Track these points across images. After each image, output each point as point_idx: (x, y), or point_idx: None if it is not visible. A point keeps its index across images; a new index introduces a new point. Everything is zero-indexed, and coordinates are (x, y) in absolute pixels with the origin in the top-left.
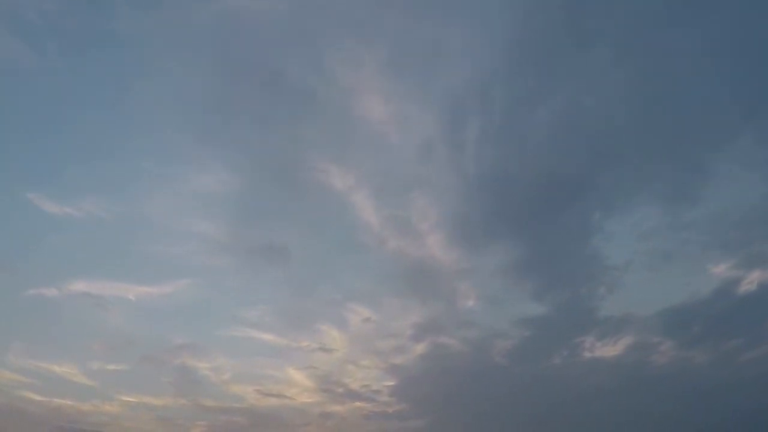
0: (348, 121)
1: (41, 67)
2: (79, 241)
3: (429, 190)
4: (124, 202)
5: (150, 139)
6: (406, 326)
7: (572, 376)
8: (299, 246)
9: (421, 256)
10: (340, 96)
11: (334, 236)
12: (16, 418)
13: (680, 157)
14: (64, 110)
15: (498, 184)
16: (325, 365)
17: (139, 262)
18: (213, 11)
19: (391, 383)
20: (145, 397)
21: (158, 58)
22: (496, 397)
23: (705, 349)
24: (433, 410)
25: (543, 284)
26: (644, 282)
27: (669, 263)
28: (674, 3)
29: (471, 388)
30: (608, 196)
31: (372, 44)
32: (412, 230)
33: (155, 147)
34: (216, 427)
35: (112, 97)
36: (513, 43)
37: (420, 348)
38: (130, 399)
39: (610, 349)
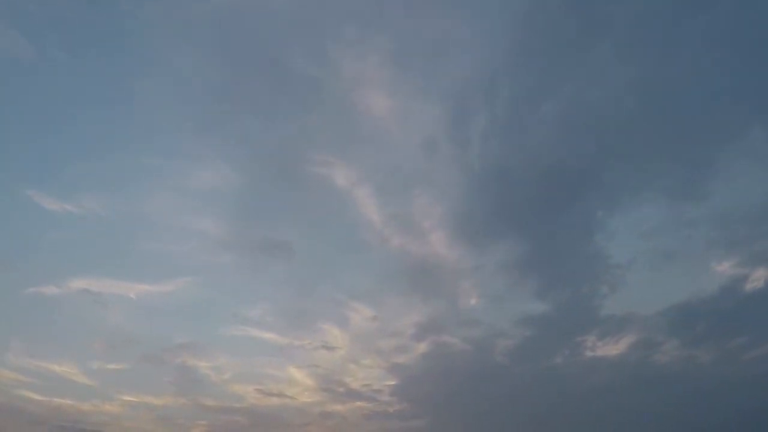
0: (351, 116)
1: (40, 61)
2: (79, 238)
3: (432, 187)
4: (124, 199)
5: (151, 135)
6: (408, 325)
7: (574, 375)
8: (301, 243)
9: (424, 254)
10: (343, 91)
11: (336, 234)
12: (16, 417)
13: (686, 153)
14: (63, 106)
15: (501, 180)
16: (326, 364)
17: (139, 259)
18: (215, 4)
19: (392, 382)
20: (145, 396)
21: (159, 52)
22: (497, 396)
23: (709, 348)
24: (434, 410)
25: (545, 282)
26: (647, 280)
27: (672, 261)
28: None
29: (472, 388)
30: (612, 193)
31: (376, 38)
32: (415, 228)
33: (156, 143)
34: (216, 427)
35: (112, 92)
36: (518, 37)
37: (422, 347)
38: (131, 398)
39: (612, 348)
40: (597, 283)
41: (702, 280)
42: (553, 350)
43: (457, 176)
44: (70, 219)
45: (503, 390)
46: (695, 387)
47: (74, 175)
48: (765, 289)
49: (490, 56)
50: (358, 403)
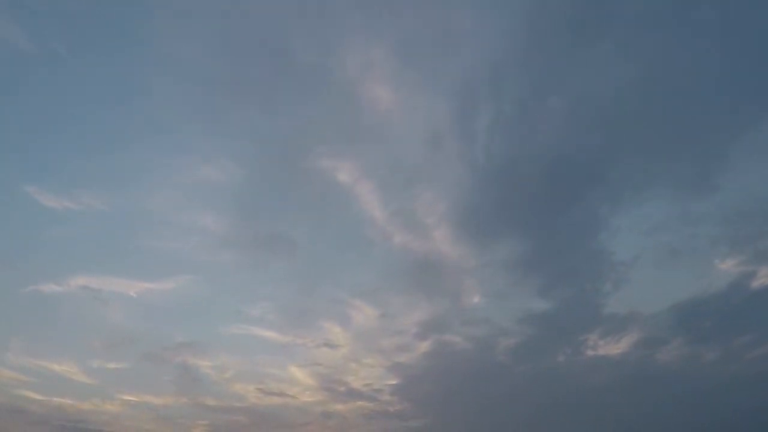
0: (355, 110)
1: (39, 54)
2: (79, 235)
3: (436, 183)
4: (125, 195)
5: (152, 130)
6: (410, 324)
7: (575, 374)
8: (303, 241)
9: (427, 252)
10: (347, 84)
11: (338, 230)
12: (16, 417)
13: (693, 149)
14: (63, 100)
15: (506, 176)
16: (327, 363)
17: (140, 257)
18: None
19: (393, 382)
20: (145, 395)
21: (161, 45)
22: (498, 396)
23: (713, 346)
24: (435, 409)
25: (548, 280)
26: (651, 278)
27: (677, 259)
28: None
29: (473, 387)
30: (616, 189)
31: (381, 31)
32: (418, 225)
33: (157, 138)
34: (217, 427)
35: (113, 86)
36: (525, 31)
37: (424, 346)
38: (131, 398)
39: (615, 347)
40: (600, 280)
41: (707, 278)
42: (555, 349)
43: (462, 172)
44: (70, 216)
45: (504, 389)
46: (699, 386)
47: (74, 171)
48: None
49: (497, 50)
50: (359, 403)
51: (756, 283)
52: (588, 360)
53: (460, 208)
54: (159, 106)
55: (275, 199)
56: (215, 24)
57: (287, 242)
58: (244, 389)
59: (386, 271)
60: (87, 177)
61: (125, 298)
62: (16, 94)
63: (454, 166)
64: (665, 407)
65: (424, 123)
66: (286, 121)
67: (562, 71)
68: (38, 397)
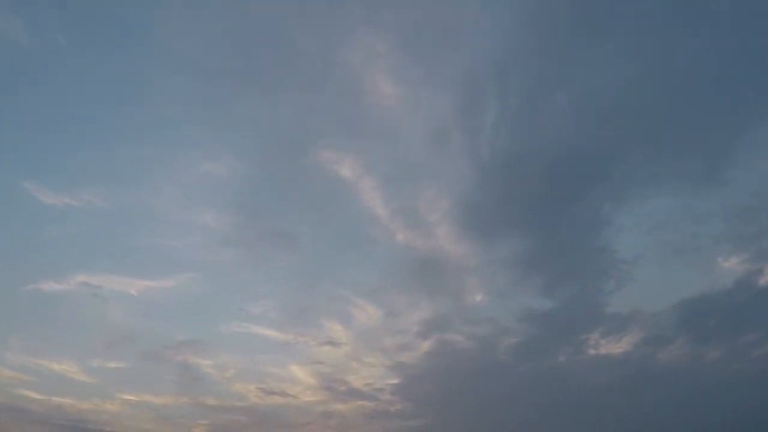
0: (358, 105)
1: (39, 48)
2: (79, 233)
3: (440, 179)
4: (126, 192)
5: (153, 125)
6: (412, 323)
7: (578, 373)
8: (304, 238)
9: (430, 250)
10: (350, 78)
11: (340, 228)
12: (16, 416)
13: (700, 144)
14: (62, 95)
15: (510, 172)
16: (328, 362)
17: (140, 254)
18: None
19: (394, 381)
20: (145, 395)
21: (162, 39)
22: (499, 395)
23: (717, 345)
24: (436, 409)
25: (551, 278)
26: (655, 276)
27: (681, 257)
28: None
29: (474, 387)
30: (619, 186)
31: (385, 23)
32: (421, 222)
33: (158, 133)
34: (217, 426)
35: (113, 79)
36: (531, 24)
37: (426, 345)
38: (131, 397)
39: (617, 346)
40: (603, 279)
41: (711, 276)
42: (557, 348)
43: (465, 168)
44: (70, 213)
45: (505, 389)
46: (702, 385)
47: (74, 167)
48: None
49: (502, 44)
50: (360, 403)
51: (762, 281)
52: (590, 359)
53: (463, 206)
54: (160, 102)
55: (277, 196)
56: (217, 18)
57: (288, 240)
58: (244, 388)
59: (388, 269)
60: (87, 173)
61: (125, 296)
62: (15, 89)
63: (458, 162)
64: (668, 407)
65: (428, 118)
66: (289, 116)
67: (567, 66)
68: (38, 396)
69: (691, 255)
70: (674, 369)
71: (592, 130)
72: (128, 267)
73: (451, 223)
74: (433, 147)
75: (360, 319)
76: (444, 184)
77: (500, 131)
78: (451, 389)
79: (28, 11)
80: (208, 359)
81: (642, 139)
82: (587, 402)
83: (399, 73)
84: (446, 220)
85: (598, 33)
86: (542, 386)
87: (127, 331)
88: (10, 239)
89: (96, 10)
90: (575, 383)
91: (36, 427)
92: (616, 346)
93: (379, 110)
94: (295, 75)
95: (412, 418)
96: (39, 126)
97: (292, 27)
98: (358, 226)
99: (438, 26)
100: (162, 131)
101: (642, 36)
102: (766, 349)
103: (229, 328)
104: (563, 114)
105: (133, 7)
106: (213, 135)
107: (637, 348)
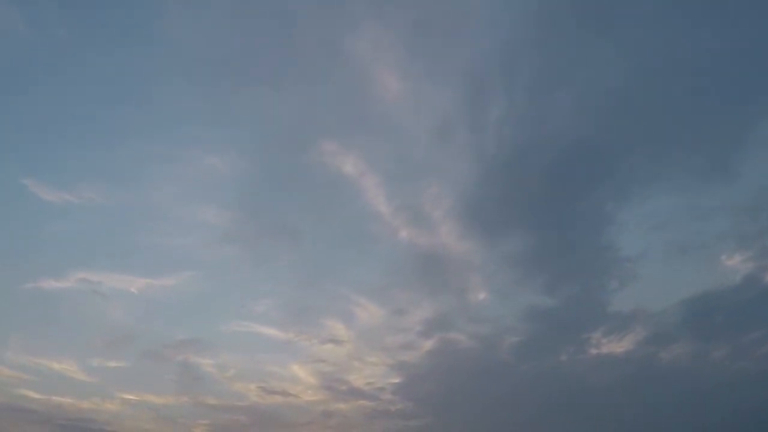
0: (361, 100)
1: (38, 42)
2: (79, 230)
3: (443, 176)
4: (126, 189)
5: (154, 120)
6: (415, 322)
7: (579, 373)
8: (306, 236)
9: (433, 247)
10: (353, 72)
11: (342, 225)
12: (15, 416)
13: (705, 141)
14: (61, 91)
15: (513, 169)
16: (330, 361)
17: (140, 252)
18: None
19: (395, 381)
20: (146, 394)
21: (163, 33)
22: (500, 395)
23: (721, 343)
24: (437, 409)
25: (554, 277)
26: (658, 274)
27: (685, 254)
28: None
29: (476, 386)
30: (623, 183)
31: (390, 15)
32: (425, 219)
33: (159, 129)
34: (218, 426)
35: (112, 76)
36: (536, 18)
37: (428, 344)
38: (131, 396)
39: (619, 345)
40: (606, 277)
41: (715, 274)
42: (558, 348)
43: (469, 165)
44: (70, 210)
45: (507, 388)
46: (706, 384)
47: (73, 163)
48: None
49: (507, 38)
50: (361, 402)
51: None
52: (592, 358)
53: (466, 203)
54: (161, 97)
55: (278, 192)
56: (219, 13)
57: (290, 237)
58: (245, 388)
59: (391, 267)
60: (87, 170)
61: (126, 294)
62: (11, 80)
63: (461, 159)
64: (671, 406)
65: (432, 114)
66: (291, 111)
67: (572, 61)
68: (37, 395)
69: (696, 253)
70: (677, 368)
71: (596, 126)
72: (128, 265)
73: (454, 221)
74: (437, 143)
75: (362, 317)
76: (447, 181)
77: (504, 127)
78: (452, 388)
79: (27, 5)
80: (209, 358)
81: (647, 135)
82: (589, 402)
83: (403, 68)
84: (449, 218)
85: (604, 27)
86: (544, 386)
87: (127, 329)
88: (10, 237)
89: (96, 6)
90: (577, 383)
91: (36, 427)
92: (618, 345)
93: (383, 106)
94: (298, 70)
95: (412, 418)
96: (38, 123)
97: (294, 21)
98: (360, 223)
99: (443, 21)
100: (162, 127)
101: (647, 29)
102: None
103: (229, 327)
104: (567, 110)
105: (134, 3)
106: (214, 131)
107: (640, 347)
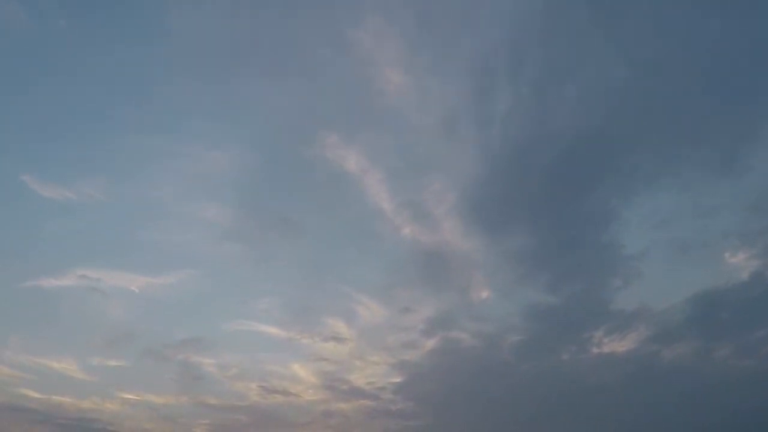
0: (365, 93)
1: (36, 31)
2: (78, 227)
3: (446, 171)
4: (126, 185)
5: (154, 116)
6: (418, 320)
7: (581, 372)
8: (308, 233)
9: (436, 245)
10: (357, 66)
11: (344, 222)
12: (15, 415)
13: (714, 133)
14: (61, 87)
15: (518, 165)
16: (331, 361)
17: (141, 250)
18: None
19: (396, 380)
20: (146, 394)
21: (163, 27)
22: (501, 395)
23: (725, 342)
24: (437, 408)
25: (557, 274)
26: (662, 272)
27: (688, 252)
28: None
29: (477, 386)
30: (627, 180)
31: (394, 9)
32: (427, 216)
33: (160, 124)
34: (218, 426)
35: (112, 72)
36: (543, 10)
37: (430, 343)
38: (131, 396)
39: (620, 344)
40: (609, 275)
41: (719, 272)
42: (561, 346)
43: (473, 161)
44: (69, 207)
45: (508, 388)
46: (710, 382)
47: (73, 159)
48: None
49: (513, 32)
50: (361, 401)
51: None
52: (594, 357)
53: (469, 199)
54: (162, 92)
55: (280, 189)
56: (222, 6)
57: (292, 234)
58: (246, 387)
59: (393, 265)
60: (87, 166)
61: (126, 293)
62: (10, 73)
63: (466, 154)
64: (673, 405)
65: (436, 108)
66: (294, 105)
67: (579, 54)
68: (37, 395)
69: (700, 250)
70: (681, 367)
71: (601, 121)
72: (129, 263)
73: (457, 218)
74: (440, 138)
75: (364, 316)
76: (450, 177)
77: (509, 123)
78: (453, 388)
79: None
80: (210, 358)
81: (653, 130)
82: (591, 401)
83: (407, 62)
84: (452, 215)
85: (609, 21)
86: (545, 385)
87: (127, 328)
88: (9, 234)
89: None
90: (579, 382)
91: (35, 426)
92: (620, 344)
93: (386, 100)
94: (301, 64)
95: (413, 418)
96: (37, 118)
97: (298, 13)
98: (363, 220)
99: (447, 15)
100: (163, 123)
101: (654, 24)
102: None
103: (230, 326)
104: (572, 105)
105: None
106: (215, 126)
107: (643, 345)
